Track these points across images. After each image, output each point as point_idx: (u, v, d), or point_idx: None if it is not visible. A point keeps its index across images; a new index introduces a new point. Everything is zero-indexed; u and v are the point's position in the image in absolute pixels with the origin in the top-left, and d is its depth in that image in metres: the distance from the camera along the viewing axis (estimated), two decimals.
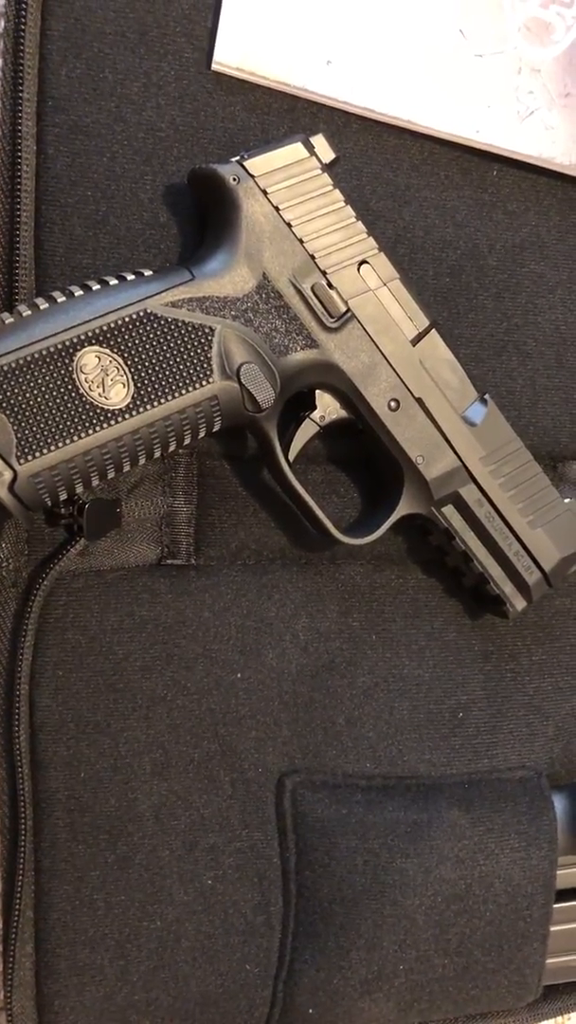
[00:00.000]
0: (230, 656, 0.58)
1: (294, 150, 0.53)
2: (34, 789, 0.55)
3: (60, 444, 0.48)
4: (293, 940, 0.58)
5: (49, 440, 0.48)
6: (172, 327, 0.50)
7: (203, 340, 0.51)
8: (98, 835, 0.55)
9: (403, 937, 0.59)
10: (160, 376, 0.50)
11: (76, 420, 0.48)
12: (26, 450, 0.47)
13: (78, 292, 0.49)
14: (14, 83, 0.53)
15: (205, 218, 0.55)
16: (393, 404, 0.56)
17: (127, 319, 0.49)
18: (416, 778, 0.61)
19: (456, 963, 0.60)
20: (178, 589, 0.57)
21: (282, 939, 0.58)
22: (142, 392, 0.50)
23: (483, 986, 0.61)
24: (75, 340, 0.48)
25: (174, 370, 0.50)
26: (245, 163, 0.52)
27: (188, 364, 0.51)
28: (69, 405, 0.48)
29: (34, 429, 0.47)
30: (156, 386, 0.50)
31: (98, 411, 0.49)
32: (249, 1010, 0.58)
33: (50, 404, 0.48)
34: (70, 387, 0.48)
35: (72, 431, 0.48)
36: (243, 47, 0.56)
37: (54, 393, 0.48)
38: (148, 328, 0.50)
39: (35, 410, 0.48)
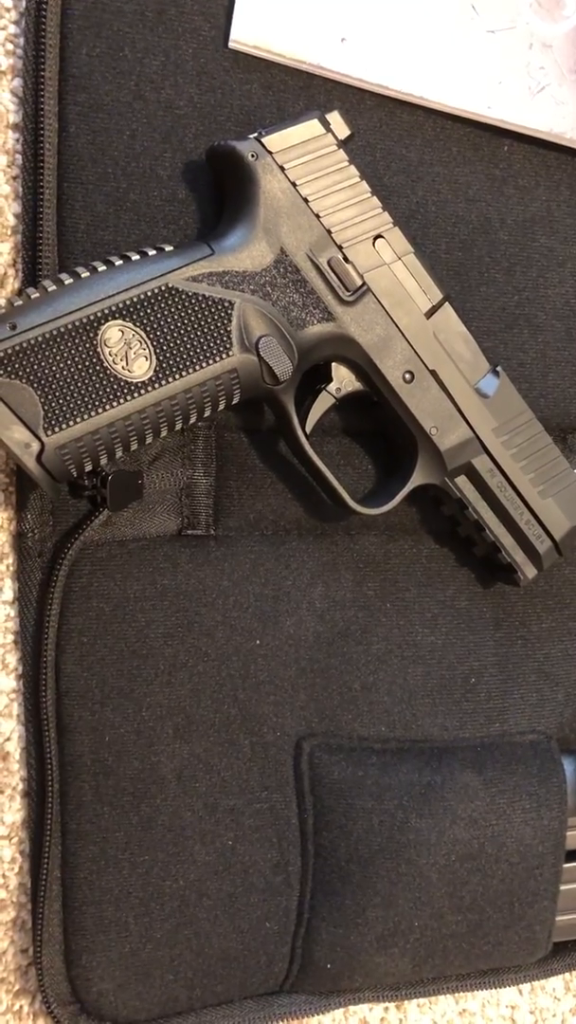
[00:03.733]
0: (249, 623, 0.59)
1: (311, 127, 0.54)
2: (60, 753, 0.56)
3: (86, 416, 0.49)
4: (311, 898, 0.60)
5: (75, 412, 0.49)
6: (193, 301, 0.51)
7: (223, 314, 0.52)
8: (122, 797, 0.57)
9: (418, 895, 0.60)
10: (181, 349, 0.51)
11: (101, 393, 0.49)
12: (53, 422, 0.49)
13: (101, 267, 0.50)
14: (36, 62, 0.53)
15: (223, 194, 0.56)
16: (408, 376, 0.57)
17: (149, 293, 0.50)
18: (430, 741, 0.63)
19: (469, 920, 0.62)
20: (198, 559, 0.58)
21: (300, 897, 0.60)
22: (164, 365, 0.51)
23: (495, 942, 0.63)
24: (99, 314, 0.49)
25: (195, 343, 0.51)
26: (263, 140, 0.53)
27: (208, 337, 0.52)
28: (94, 378, 0.49)
29: (60, 401, 0.49)
30: (178, 359, 0.51)
31: (122, 384, 0.50)
32: (268, 966, 0.60)
33: (76, 377, 0.49)
34: (95, 360, 0.49)
35: (97, 403, 0.49)
36: (259, 25, 0.56)
37: (79, 366, 0.49)
38: (170, 302, 0.51)
39: (61, 383, 0.49)
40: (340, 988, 0.62)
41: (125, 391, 0.50)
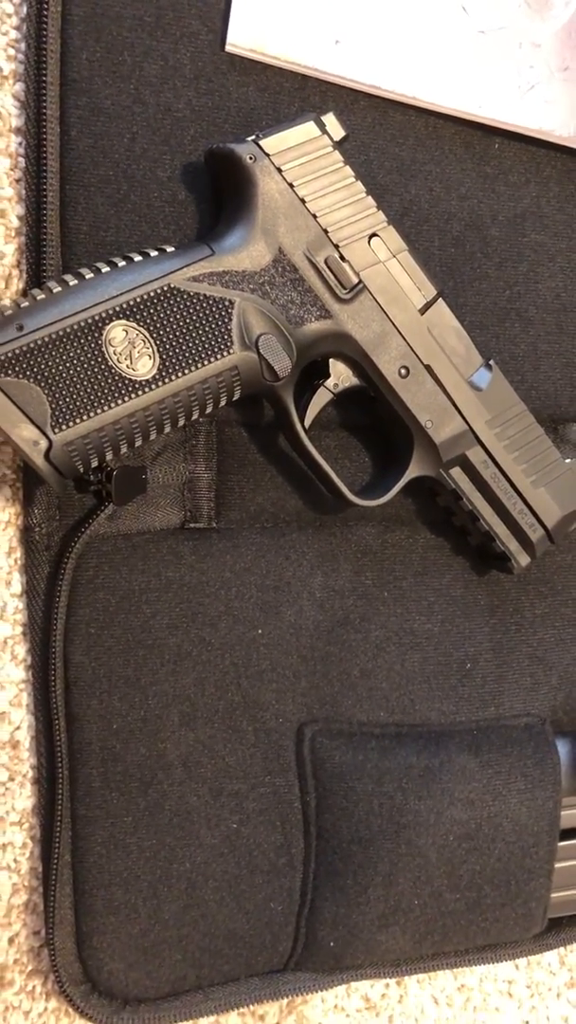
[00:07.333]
0: (251, 613, 0.60)
1: (307, 129, 0.55)
2: (69, 741, 0.57)
3: (92, 414, 0.50)
4: (314, 879, 0.62)
5: (81, 410, 0.50)
6: (194, 301, 0.53)
7: (223, 313, 0.53)
8: (130, 783, 0.58)
9: (417, 874, 0.62)
10: (184, 348, 0.52)
11: (106, 391, 0.51)
12: (60, 420, 0.50)
13: (104, 268, 0.52)
14: (37, 67, 0.54)
15: (221, 195, 0.57)
16: (403, 371, 0.59)
17: (152, 294, 0.52)
18: (427, 725, 0.65)
19: (467, 898, 0.64)
20: (201, 551, 0.60)
21: (304, 878, 0.62)
22: (167, 363, 0.52)
23: (492, 919, 0.65)
24: (103, 314, 0.50)
25: (196, 342, 0.53)
26: (261, 142, 0.54)
27: (210, 336, 0.53)
28: (99, 377, 0.51)
29: (67, 400, 0.50)
30: (180, 357, 0.52)
31: (126, 382, 0.51)
32: (273, 945, 0.61)
33: (81, 376, 0.50)
34: (100, 359, 0.51)
35: (102, 401, 0.51)
36: (255, 29, 0.57)
37: (85, 365, 0.50)
38: (172, 302, 0.52)
39: (68, 382, 0.50)
40: (343, 965, 0.63)
41: (130, 389, 0.51)
